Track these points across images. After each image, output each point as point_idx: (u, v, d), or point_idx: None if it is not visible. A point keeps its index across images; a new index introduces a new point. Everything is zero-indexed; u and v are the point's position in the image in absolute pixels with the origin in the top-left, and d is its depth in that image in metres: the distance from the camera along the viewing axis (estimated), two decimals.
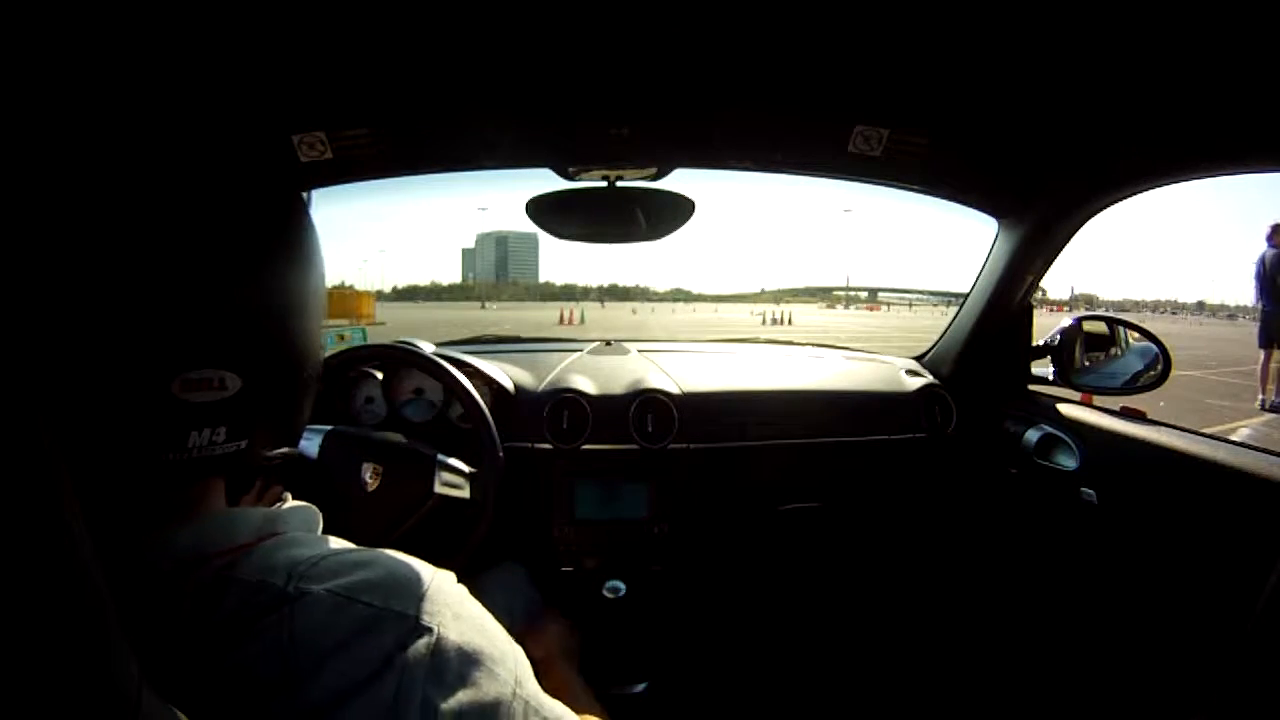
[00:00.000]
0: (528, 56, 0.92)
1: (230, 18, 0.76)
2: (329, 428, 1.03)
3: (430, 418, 1.33)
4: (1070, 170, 1.20)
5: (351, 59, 0.90)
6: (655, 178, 1.30)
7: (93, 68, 0.82)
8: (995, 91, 0.99)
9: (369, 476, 0.99)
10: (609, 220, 1.32)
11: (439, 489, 1.02)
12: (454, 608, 0.44)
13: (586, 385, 1.42)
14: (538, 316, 35.60)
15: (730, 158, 1.33)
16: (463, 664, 0.42)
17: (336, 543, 0.48)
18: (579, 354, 1.60)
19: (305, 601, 0.40)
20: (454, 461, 1.06)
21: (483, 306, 66.52)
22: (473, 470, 1.09)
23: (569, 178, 1.28)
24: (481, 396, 1.20)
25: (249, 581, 0.41)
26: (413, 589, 0.43)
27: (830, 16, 0.80)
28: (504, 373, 1.40)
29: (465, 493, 1.05)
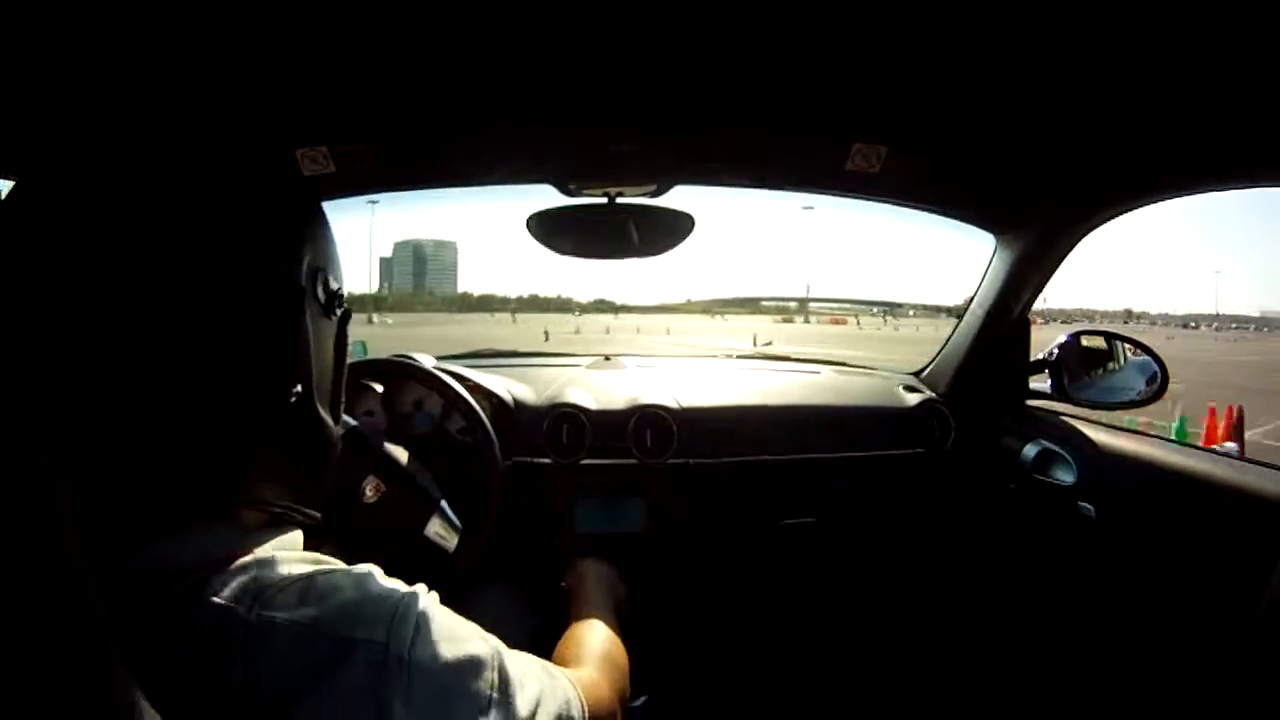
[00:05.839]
0: (528, 74, 0.93)
1: (236, 32, 0.77)
2: (353, 424, 1.01)
3: (429, 431, 1.33)
4: (1068, 186, 1.22)
5: (356, 74, 0.91)
6: (655, 194, 1.31)
7: (96, 88, 0.83)
8: (992, 108, 1.00)
9: (369, 489, 0.98)
10: (608, 236, 1.33)
11: (428, 532, 1.00)
12: (425, 626, 0.43)
13: (585, 400, 1.42)
14: (430, 334, 27.82)
15: (729, 174, 1.35)
16: (438, 684, 0.42)
17: (309, 562, 0.47)
18: (578, 369, 1.61)
19: (270, 635, 0.39)
20: (451, 515, 1.04)
21: (370, 321, 47.57)
22: (464, 530, 1.07)
23: (569, 193, 1.29)
24: (481, 410, 1.19)
25: (215, 605, 0.40)
26: (382, 612, 0.42)
27: (828, 35, 0.81)
28: (503, 387, 1.40)
29: (450, 546, 1.03)
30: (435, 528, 1.01)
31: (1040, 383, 1.46)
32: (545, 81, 0.95)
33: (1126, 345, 1.43)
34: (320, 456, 0.54)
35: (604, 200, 1.28)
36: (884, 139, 1.14)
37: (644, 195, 1.30)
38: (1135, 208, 1.21)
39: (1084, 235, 1.32)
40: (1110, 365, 1.44)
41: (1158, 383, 1.33)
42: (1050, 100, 0.95)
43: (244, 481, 0.46)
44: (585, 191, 1.29)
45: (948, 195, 1.36)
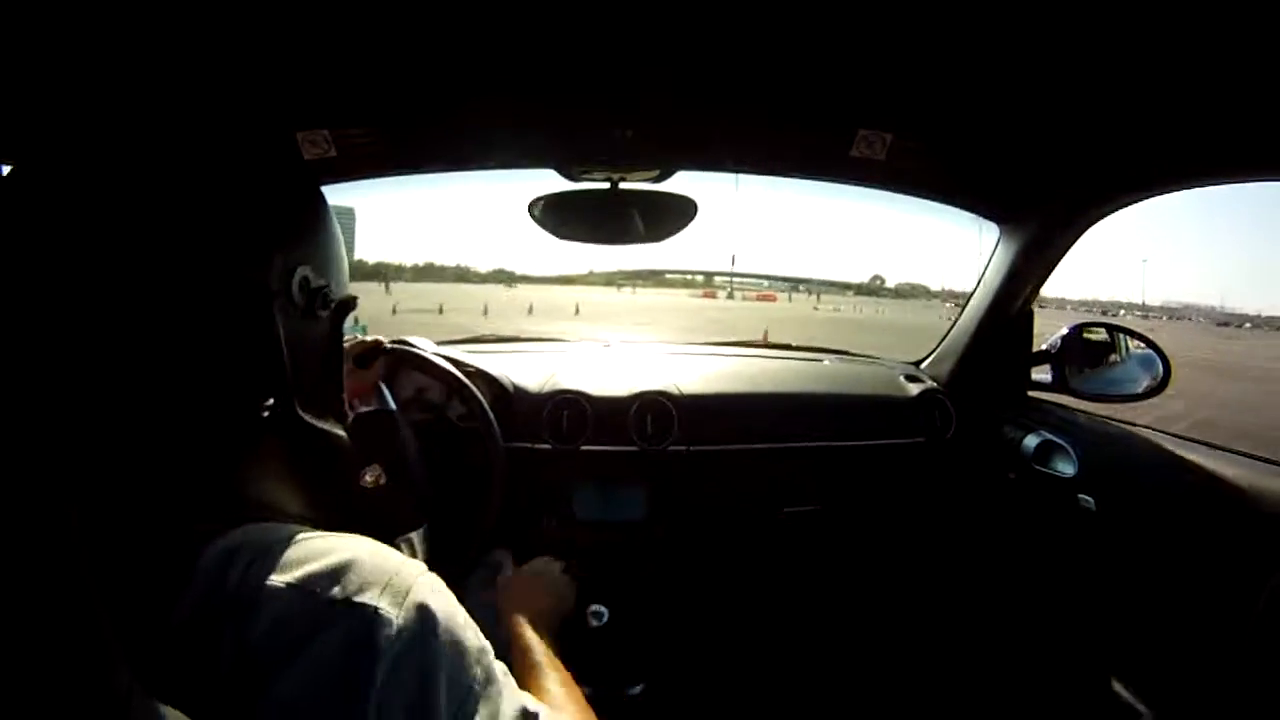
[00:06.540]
0: (532, 58, 0.92)
1: (236, 14, 0.76)
2: (392, 408, 1.00)
3: (431, 418, 1.33)
4: (1074, 176, 1.20)
5: (358, 56, 0.91)
6: (658, 179, 1.30)
7: (98, 74, 0.82)
8: (999, 97, 0.99)
9: (369, 475, 0.98)
10: (611, 222, 1.32)
11: (398, 541, 1.00)
12: (419, 598, 0.42)
13: (586, 386, 1.41)
14: None
15: (732, 160, 1.34)
16: (421, 661, 0.40)
17: (304, 529, 0.46)
18: (579, 355, 1.61)
19: (259, 600, 0.39)
20: (423, 542, 1.02)
21: None
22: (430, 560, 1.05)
23: (572, 178, 1.29)
24: (481, 397, 1.19)
25: (210, 570, 0.40)
26: (376, 578, 0.41)
27: (833, 21, 0.80)
28: (502, 372, 1.40)
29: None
30: (405, 543, 0.99)
31: (1042, 373, 1.46)
32: (548, 65, 0.94)
33: (1129, 338, 1.43)
34: (319, 462, 0.52)
35: (606, 186, 1.28)
36: (890, 126, 1.13)
37: (647, 181, 1.29)
38: (1142, 199, 1.20)
39: (1089, 226, 1.31)
40: (1112, 358, 1.43)
41: (1160, 377, 1.32)
42: (1059, 88, 0.94)
43: (236, 491, 0.45)
44: (587, 176, 1.28)
45: (953, 183, 1.35)
